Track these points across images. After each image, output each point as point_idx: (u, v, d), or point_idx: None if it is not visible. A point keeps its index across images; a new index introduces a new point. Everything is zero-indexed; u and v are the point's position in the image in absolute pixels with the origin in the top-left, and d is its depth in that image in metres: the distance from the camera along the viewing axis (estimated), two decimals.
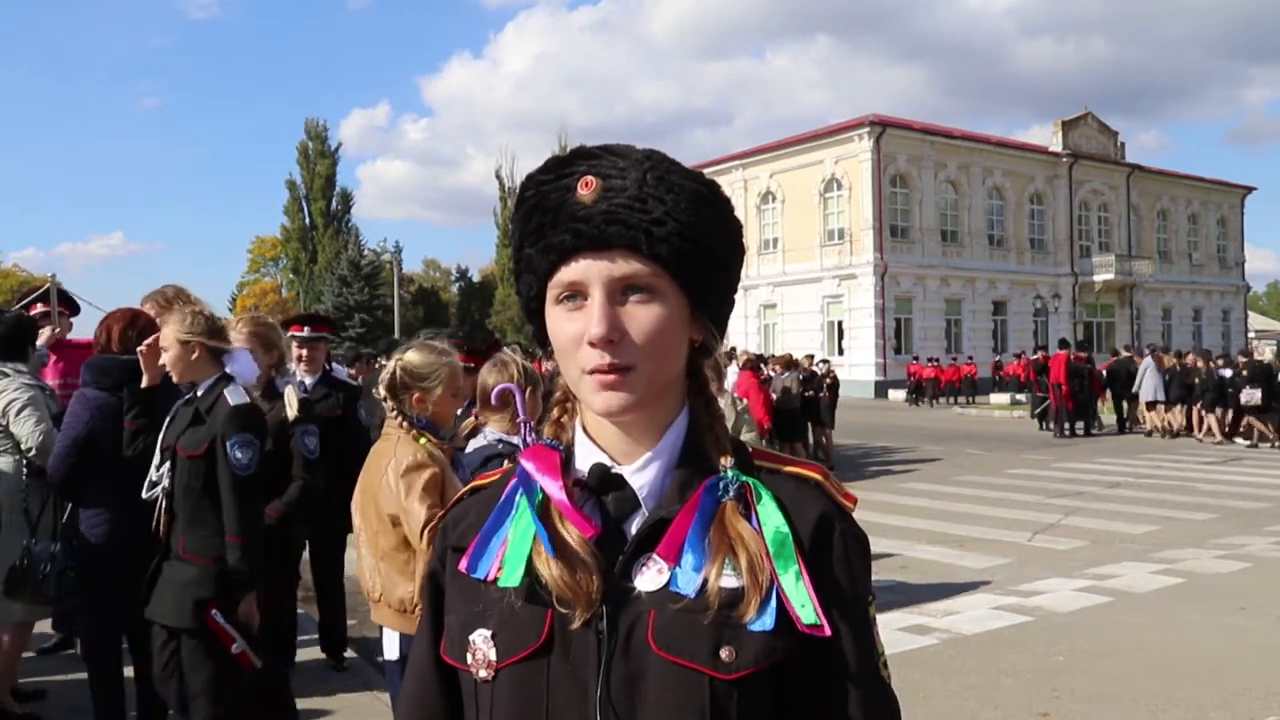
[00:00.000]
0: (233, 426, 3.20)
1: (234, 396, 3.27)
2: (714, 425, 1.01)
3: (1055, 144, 42.36)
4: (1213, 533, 9.40)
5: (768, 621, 0.91)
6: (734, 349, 15.57)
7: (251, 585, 3.24)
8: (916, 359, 33.56)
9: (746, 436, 5.92)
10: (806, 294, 38.16)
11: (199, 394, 3.31)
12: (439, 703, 1.05)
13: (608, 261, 0.92)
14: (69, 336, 5.76)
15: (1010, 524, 9.94)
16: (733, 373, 11.88)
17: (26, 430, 4.27)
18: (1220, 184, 49.37)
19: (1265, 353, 26.20)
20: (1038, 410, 21.61)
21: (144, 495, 3.31)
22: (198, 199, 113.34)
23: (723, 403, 1.17)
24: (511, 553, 0.98)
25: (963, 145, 39.57)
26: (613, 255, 0.92)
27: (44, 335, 5.39)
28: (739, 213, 1.04)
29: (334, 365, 6.21)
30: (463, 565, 1.01)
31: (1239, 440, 18.01)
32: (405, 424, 2.97)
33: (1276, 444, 17.44)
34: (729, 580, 0.93)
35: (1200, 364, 19.36)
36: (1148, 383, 19.61)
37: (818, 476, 1.00)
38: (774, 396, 13.14)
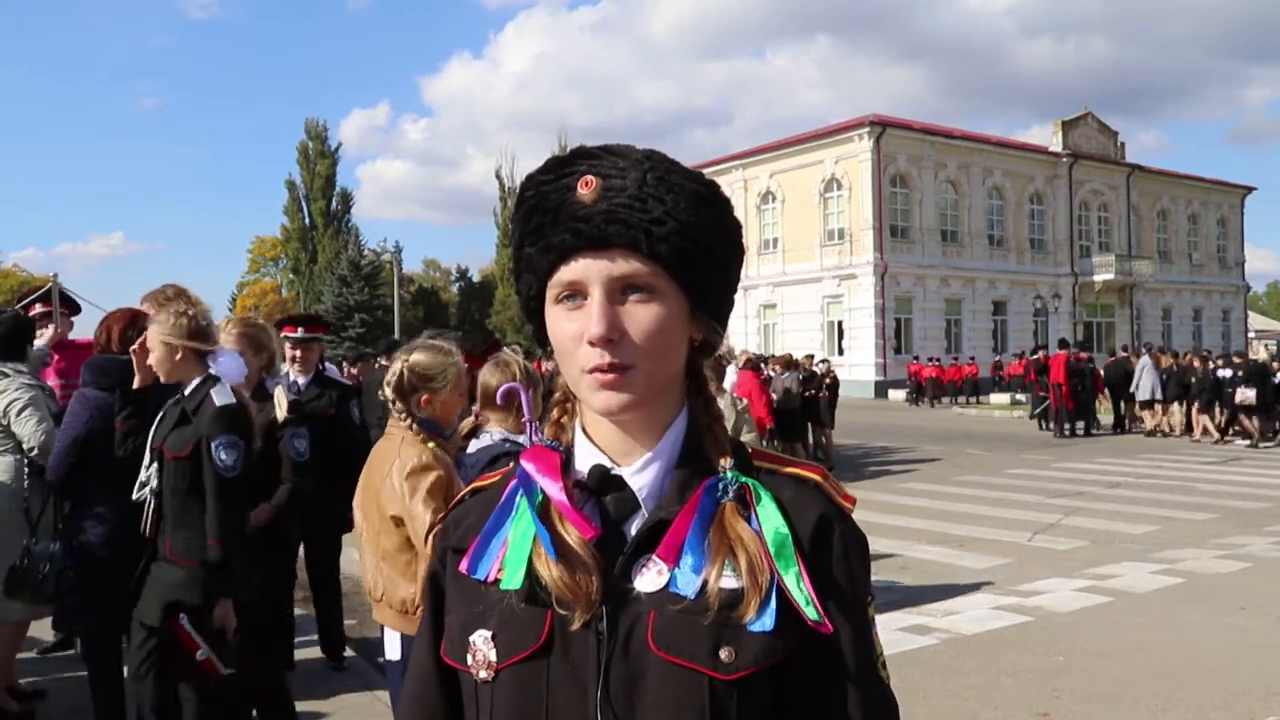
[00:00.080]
0: (218, 427, 3.18)
1: (220, 397, 3.23)
2: (713, 425, 1.01)
3: (1055, 144, 42.36)
4: (1213, 533, 9.41)
5: (767, 622, 0.91)
6: (731, 349, 15.55)
7: (229, 589, 3.19)
8: (917, 359, 33.56)
9: (747, 437, 5.91)
10: (806, 294, 38.17)
11: (185, 394, 3.29)
12: (439, 703, 1.05)
13: (607, 261, 0.92)
14: (69, 336, 5.77)
15: (1010, 524, 9.94)
16: (732, 373, 11.87)
17: (28, 430, 4.28)
18: (1220, 184, 49.38)
19: (1260, 352, 26.24)
20: (1038, 410, 21.63)
21: (134, 496, 3.29)
22: (198, 199, 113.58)
23: (723, 403, 1.16)
24: (512, 554, 0.98)
25: (963, 145, 39.58)
26: (612, 255, 0.92)
27: (45, 335, 5.40)
28: (739, 213, 1.04)
29: (327, 365, 6.19)
30: (463, 566, 1.01)
31: (1239, 440, 18.03)
32: (413, 426, 2.93)
33: (1259, 443, 17.46)
34: (729, 581, 0.93)
35: (1197, 364, 19.42)
36: (1145, 382, 19.66)
37: (817, 478, 1.01)
38: (774, 397, 13.14)
